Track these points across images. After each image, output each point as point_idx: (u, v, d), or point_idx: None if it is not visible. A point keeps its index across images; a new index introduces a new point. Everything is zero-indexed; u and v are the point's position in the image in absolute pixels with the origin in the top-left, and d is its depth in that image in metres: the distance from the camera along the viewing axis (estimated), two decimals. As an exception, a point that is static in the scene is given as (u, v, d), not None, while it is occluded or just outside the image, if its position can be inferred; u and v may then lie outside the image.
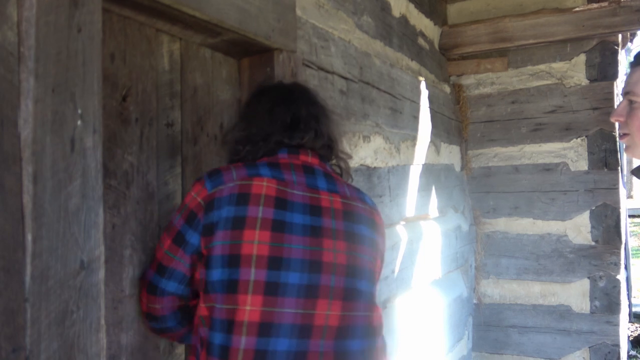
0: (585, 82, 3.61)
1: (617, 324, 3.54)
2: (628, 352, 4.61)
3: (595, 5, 3.28)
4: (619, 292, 3.54)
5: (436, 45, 3.63)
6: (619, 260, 3.54)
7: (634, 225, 11.62)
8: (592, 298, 3.58)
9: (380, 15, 2.67)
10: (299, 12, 1.90)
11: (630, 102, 1.43)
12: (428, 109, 3.19)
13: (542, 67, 3.72)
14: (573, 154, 3.63)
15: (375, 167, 2.44)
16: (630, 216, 8.97)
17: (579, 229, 3.61)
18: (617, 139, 1.51)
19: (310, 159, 1.37)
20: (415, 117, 2.99)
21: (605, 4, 3.23)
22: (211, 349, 1.16)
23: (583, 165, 3.61)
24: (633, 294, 6.26)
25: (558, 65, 3.67)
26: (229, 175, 1.25)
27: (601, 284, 3.56)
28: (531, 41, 3.46)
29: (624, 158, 4.36)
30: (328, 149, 1.44)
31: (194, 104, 1.61)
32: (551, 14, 3.40)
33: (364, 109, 2.35)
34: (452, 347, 3.40)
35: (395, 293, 2.56)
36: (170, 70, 1.53)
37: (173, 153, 1.53)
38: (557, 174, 3.67)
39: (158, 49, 1.48)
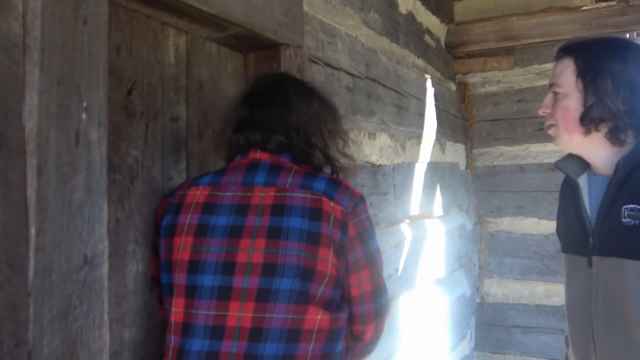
0: (592, 81, 3.58)
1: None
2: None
3: (603, 4, 3.25)
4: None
5: (442, 43, 3.61)
6: (624, 261, 3.52)
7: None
8: (596, 299, 3.56)
9: (387, 12, 2.65)
10: (306, 7, 1.88)
11: (555, 94, 1.47)
12: (434, 107, 3.17)
13: (548, 66, 3.69)
14: (579, 153, 3.60)
15: (380, 165, 2.43)
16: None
17: (583, 229, 3.58)
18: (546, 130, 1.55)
19: (259, 155, 1.33)
20: (421, 115, 2.97)
21: (614, 3, 3.20)
22: (165, 350, 1.26)
23: (589, 166, 3.58)
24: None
25: (565, 65, 3.64)
26: (180, 187, 1.35)
27: (605, 284, 3.53)
28: (538, 40, 3.44)
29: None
30: (289, 146, 1.36)
31: (200, 99, 1.60)
32: (558, 13, 3.38)
33: (370, 105, 2.34)
34: (455, 346, 3.39)
35: (398, 292, 2.54)
36: (176, 64, 1.52)
37: (178, 148, 1.51)
38: (562, 174, 3.64)
39: (164, 43, 1.47)
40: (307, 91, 1.43)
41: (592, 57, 1.42)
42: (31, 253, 0.88)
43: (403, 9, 2.89)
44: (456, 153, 3.64)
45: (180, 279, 1.23)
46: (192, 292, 1.22)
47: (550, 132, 1.51)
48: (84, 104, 0.98)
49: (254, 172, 1.30)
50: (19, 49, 0.88)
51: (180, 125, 1.52)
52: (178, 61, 1.52)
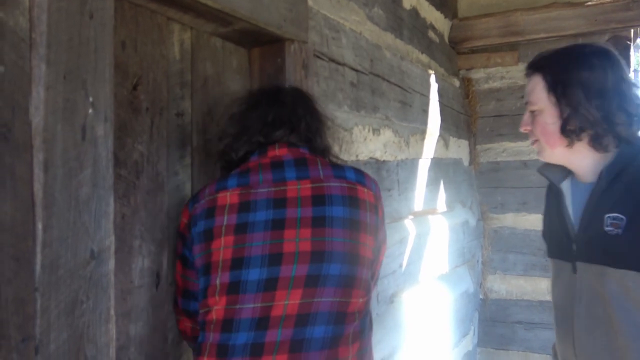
0: (596, 77, 3.57)
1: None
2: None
3: (608, -1, 3.24)
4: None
5: (446, 39, 3.60)
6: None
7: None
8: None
9: (391, 7, 2.65)
10: (310, 2, 1.87)
11: (532, 112, 1.50)
12: (437, 103, 3.16)
13: (553, 61, 3.68)
14: (583, 149, 3.59)
15: (384, 161, 2.43)
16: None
17: (587, 225, 3.58)
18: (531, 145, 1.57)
19: (278, 151, 1.38)
20: (425, 111, 2.96)
21: (619, -2, 3.19)
22: (201, 347, 1.26)
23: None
24: None
25: (569, 60, 3.63)
26: (203, 193, 1.35)
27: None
28: (542, 35, 3.43)
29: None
30: (307, 140, 1.43)
31: (205, 94, 1.60)
32: (563, 8, 3.36)
33: (374, 101, 2.33)
34: (458, 342, 3.39)
35: (402, 287, 2.54)
36: (181, 59, 1.51)
37: (183, 143, 1.51)
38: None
39: (169, 38, 1.47)
40: (294, 91, 1.53)
41: (559, 69, 1.45)
42: (38, 248, 0.88)
43: (407, 5, 2.88)
44: (459, 149, 3.63)
45: (223, 277, 1.24)
46: (235, 288, 1.22)
47: (534, 146, 1.54)
48: (90, 99, 0.97)
49: (281, 169, 1.34)
50: (26, 43, 0.88)
51: (185, 121, 1.52)
52: (183, 56, 1.52)
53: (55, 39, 0.91)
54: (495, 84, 3.86)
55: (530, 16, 3.42)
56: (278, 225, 1.25)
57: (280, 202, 1.28)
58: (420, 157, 2.88)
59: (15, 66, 0.87)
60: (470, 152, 3.89)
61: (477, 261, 3.85)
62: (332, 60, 2.03)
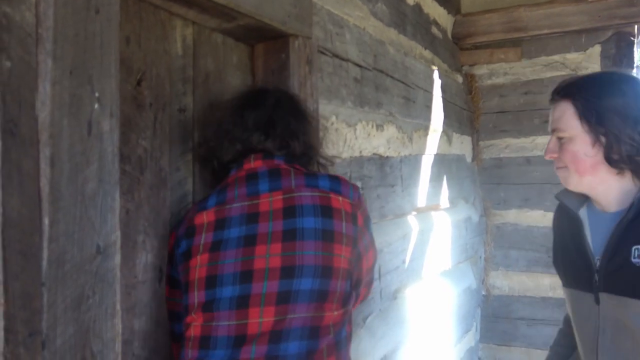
0: (600, 73, 3.56)
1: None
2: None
3: (612, -6, 3.23)
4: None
5: (449, 34, 3.59)
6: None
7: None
8: (602, 291, 3.56)
9: (394, 3, 2.64)
10: (314, -3, 1.87)
11: (560, 139, 1.45)
12: (441, 99, 3.16)
13: (556, 57, 3.67)
14: (586, 146, 3.58)
15: (387, 157, 2.43)
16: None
17: (590, 221, 3.57)
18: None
19: (253, 164, 1.37)
20: (428, 107, 2.96)
21: (623, -7, 3.18)
22: None
23: (596, 158, 3.57)
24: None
25: (572, 56, 3.62)
26: (187, 214, 1.37)
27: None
28: (545, 31, 3.42)
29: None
30: (284, 146, 1.41)
31: (206, 90, 1.60)
32: (566, 4, 3.35)
33: (377, 97, 2.33)
34: (460, 339, 3.39)
35: (405, 283, 2.55)
36: (183, 55, 1.51)
37: (185, 139, 1.51)
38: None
39: (172, 34, 1.47)
40: (276, 92, 1.52)
41: (590, 96, 1.39)
42: (45, 243, 0.88)
43: (410, 0, 2.88)
44: (462, 145, 3.63)
45: (199, 296, 1.25)
46: (210, 306, 1.22)
47: (560, 174, 1.48)
48: (96, 94, 0.97)
49: (255, 181, 1.33)
50: (32, 38, 0.88)
51: (187, 116, 1.52)
52: (185, 52, 1.52)
53: (61, 34, 0.91)
54: (499, 80, 3.85)
55: (534, 12, 3.41)
56: (250, 241, 1.25)
57: (252, 217, 1.27)
58: (423, 153, 2.88)
59: (21, 61, 0.87)
60: (473, 148, 3.88)
61: (480, 257, 3.85)
62: (336, 55, 2.02)
